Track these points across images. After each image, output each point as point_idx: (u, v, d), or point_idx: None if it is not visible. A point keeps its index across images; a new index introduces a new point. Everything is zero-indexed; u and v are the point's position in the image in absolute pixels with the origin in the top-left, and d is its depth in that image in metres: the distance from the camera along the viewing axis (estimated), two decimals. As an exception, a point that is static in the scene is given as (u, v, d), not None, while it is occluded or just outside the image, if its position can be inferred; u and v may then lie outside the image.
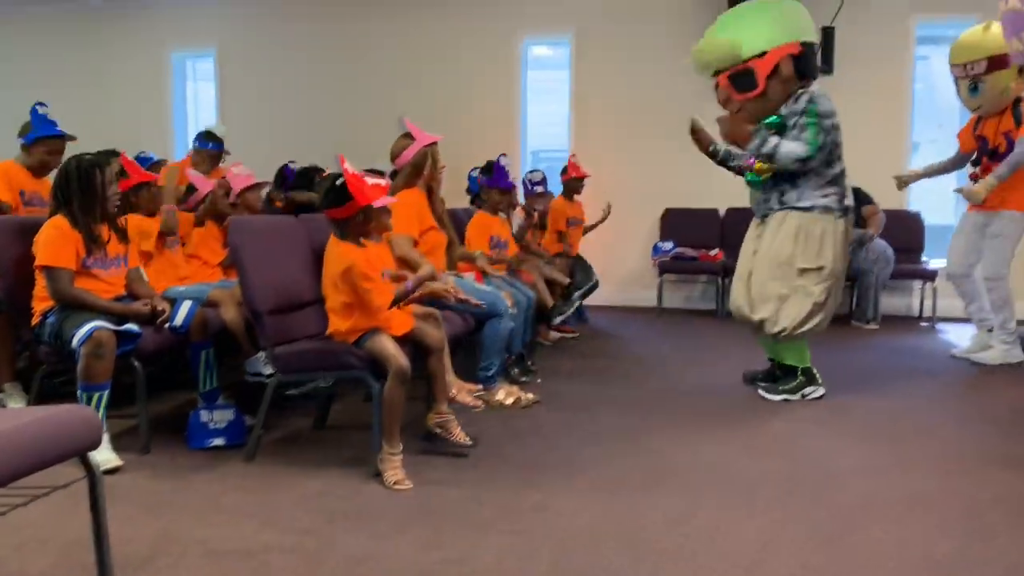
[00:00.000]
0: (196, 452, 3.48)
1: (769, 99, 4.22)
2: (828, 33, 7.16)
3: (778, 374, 4.53)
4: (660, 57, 7.63)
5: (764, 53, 4.14)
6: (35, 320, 3.42)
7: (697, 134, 4.54)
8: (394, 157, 4.21)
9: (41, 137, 4.34)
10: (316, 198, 4.19)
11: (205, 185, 4.55)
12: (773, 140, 4.14)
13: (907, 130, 7.38)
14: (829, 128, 4.12)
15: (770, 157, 4.14)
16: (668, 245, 7.59)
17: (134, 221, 3.93)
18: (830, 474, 3.21)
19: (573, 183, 6.52)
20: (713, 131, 4.56)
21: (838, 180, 4.22)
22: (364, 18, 8.38)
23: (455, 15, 8.18)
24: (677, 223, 7.80)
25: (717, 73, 4.33)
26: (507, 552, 2.49)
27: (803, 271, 4.21)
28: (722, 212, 7.63)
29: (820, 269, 4.21)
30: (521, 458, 3.40)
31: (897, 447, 3.57)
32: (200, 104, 9.24)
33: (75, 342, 3.20)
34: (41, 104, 4.37)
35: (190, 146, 5.78)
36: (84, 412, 2.13)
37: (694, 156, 4.80)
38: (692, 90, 7.37)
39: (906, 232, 7.16)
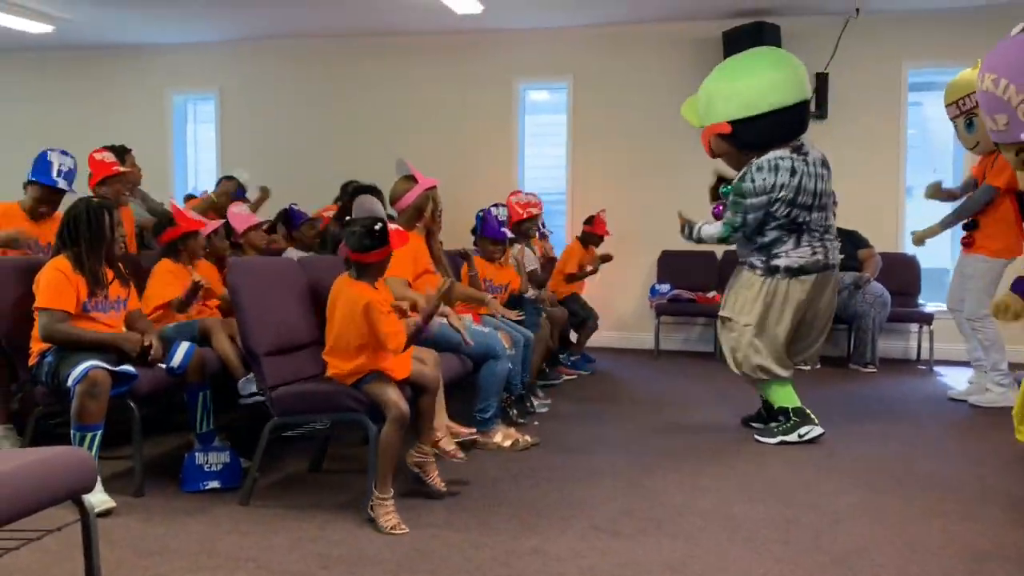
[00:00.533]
0: (191, 495, 3.45)
1: (728, 161, 4.57)
2: (822, 79, 7.26)
3: (763, 414, 4.62)
4: (656, 101, 7.72)
5: (708, 125, 4.47)
6: (32, 360, 3.41)
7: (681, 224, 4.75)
8: (394, 200, 4.23)
9: (32, 181, 4.28)
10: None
11: (200, 226, 4.53)
12: (696, 227, 4.57)
13: (901, 174, 7.44)
14: (751, 207, 4.29)
15: (699, 240, 4.60)
16: (665, 287, 7.59)
17: (210, 271, 4.18)
18: (828, 518, 3.19)
19: (595, 238, 6.60)
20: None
21: (773, 245, 4.36)
22: (364, 62, 8.49)
23: (454, 59, 8.28)
24: (674, 265, 7.82)
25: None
26: (504, 598, 2.46)
27: (723, 320, 4.56)
28: (719, 254, 7.66)
29: (746, 326, 4.42)
30: (519, 501, 3.38)
31: (896, 490, 3.55)
32: (200, 146, 9.30)
33: (71, 381, 3.19)
34: (63, 153, 4.30)
35: (204, 189, 5.82)
36: (79, 454, 2.13)
37: (690, 198, 4.88)
38: (686, 133, 7.47)
39: (902, 275, 7.18)
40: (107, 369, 3.22)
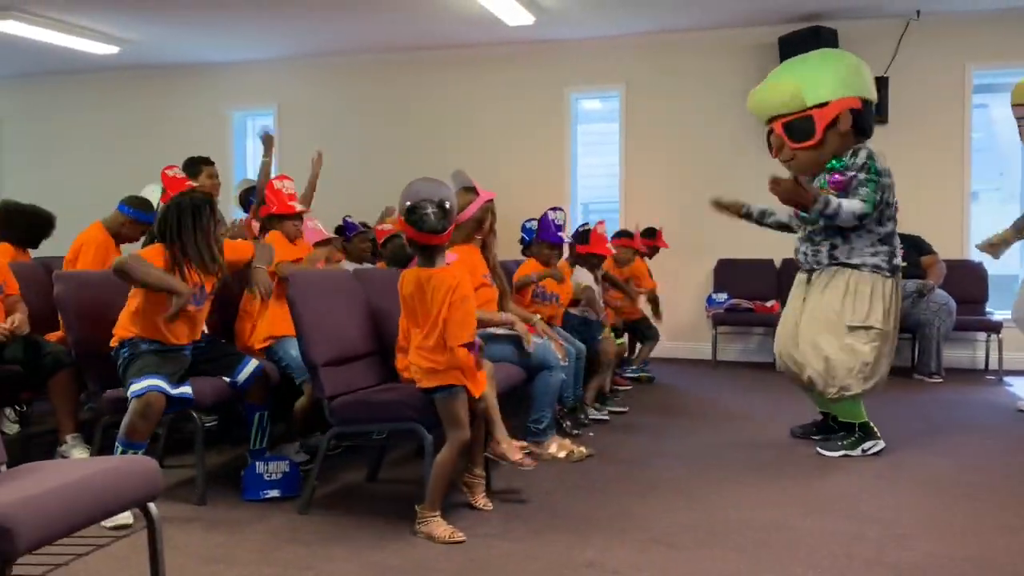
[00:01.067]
0: (251, 503, 3.51)
1: (824, 151, 4.20)
2: (882, 83, 7.11)
3: (832, 424, 4.46)
4: (711, 108, 7.65)
5: (825, 104, 4.13)
6: (114, 342, 3.48)
7: (721, 208, 4.58)
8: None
9: (133, 219, 4.76)
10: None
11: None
12: (835, 201, 4.03)
13: (966, 179, 7.24)
14: (886, 186, 4.10)
15: (832, 218, 4.04)
16: (722, 296, 7.51)
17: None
18: (892, 533, 3.11)
19: (594, 259, 6.54)
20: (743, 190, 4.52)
21: (889, 239, 4.19)
22: (417, 76, 8.59)
23: (506, 71, 8.33)
24: (731, 274, 7.72)
25: (773, 120, 4.33)
26: (560, 610, 2.45)
27: (852, 329, 4.15)
28: (777, 263, 7.54)
29: (868, 328, 4.14)
30: (574, 513, 3.36)
31: (963, 505, 3.44)
32: (258, 162, 9.47)
33: (130, 392, 3.28)
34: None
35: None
36: (145, 463, 2.18)
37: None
38: (742, 140, 7.39)
39: (969, 282, 6.98)
40: (165, 392, 3.29)
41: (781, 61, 6.34)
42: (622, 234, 6.36)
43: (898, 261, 4.21)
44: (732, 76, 7.48)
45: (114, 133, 9.32)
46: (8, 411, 4.55)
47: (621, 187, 8.10)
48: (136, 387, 3.26)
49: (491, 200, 4.20)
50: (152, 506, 2.16)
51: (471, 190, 4.13)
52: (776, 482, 3.79)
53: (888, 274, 4.16)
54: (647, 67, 7.98)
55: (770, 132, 4.38)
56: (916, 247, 6.63)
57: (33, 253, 5.15)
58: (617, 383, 6.14)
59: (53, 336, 4.09)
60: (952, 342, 6.89)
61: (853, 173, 4.10)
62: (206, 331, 3.85)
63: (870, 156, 4.12)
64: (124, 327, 3.47)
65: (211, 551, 2.96)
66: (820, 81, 4.16)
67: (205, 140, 9.05)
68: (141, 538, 2.30)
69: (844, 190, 4.11)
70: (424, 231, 3.07)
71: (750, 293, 7.46)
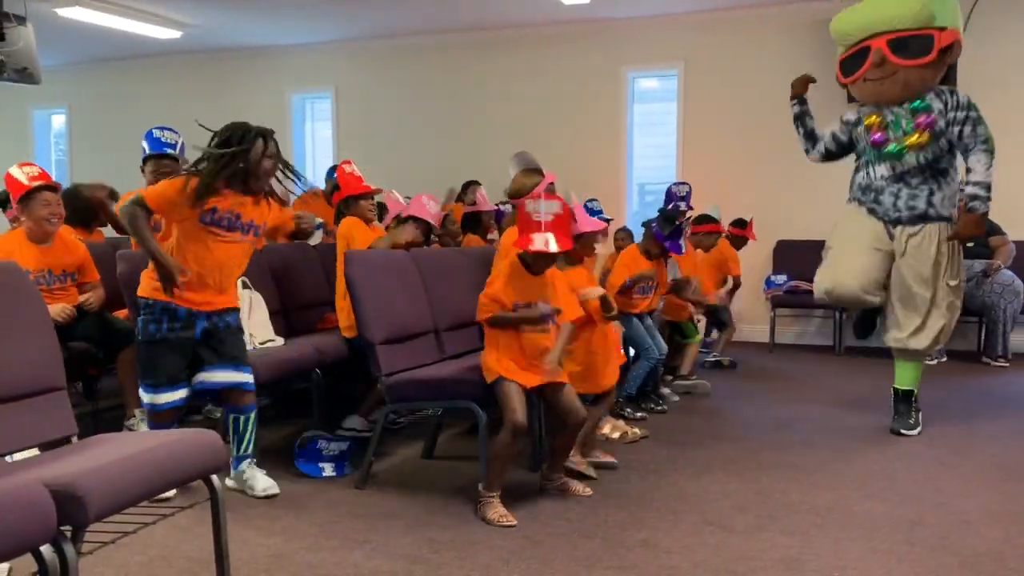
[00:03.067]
0: (310, 480, 3.58)
1: (926, 74, 4.11)
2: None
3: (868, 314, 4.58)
4: (771, 87, 7.47)
5: (945, 28, 4.06)
6: (140, 291, 3.28)
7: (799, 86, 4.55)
8: (519, 194, 3.87)
9: (148, 157, 4.27)
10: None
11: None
12: (978, 176, 3.99)
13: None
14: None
15: (987, 183, 4.00)
16: (782, 278, 7.38)
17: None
18: (956, 519, 3.04)
19: (742, 242, 6.53)
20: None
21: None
22: (472, 57, 8.58)
23: (562, 50, 8.27)
24: (790, 255, 7.58)
25: (876, 35, 4.15)
26: (614, 588, 2.46)
27: (952, 287, 4.18)
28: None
29: (959, 285, 4.19)
30: (628, 493, 3.36)
31: (1032, 492, 3.34)
32: (317, 143, 9.62)
33: (141, 392, 3.26)
34: (165, 128, 4.39)
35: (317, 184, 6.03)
36: (209, 437, 2.24)
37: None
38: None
39: (1039, 264, 6.75)
40: (165, 408, 3.23)
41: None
42: (704, 219, 6.08)
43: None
44: (793, 53, 7.29)
45: (176, 117, 9.43)
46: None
47: (678, 168, 8.00)
48: (146, 397, 3.22)
49: (553, 182, 4.17)
50: (215, 478, 2.22)
51: (536, 171, 3.98)
52: (833, 465, 3.73)
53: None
54: (706, 44, 7.84)
55: (858, 51, 4.22)
56: (985, 227, 6.42)
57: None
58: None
59: (121, 314, 4.23)
60: (1020, 325, 6.67)
61: (953, 115, 4.05)
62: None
63: (955, 94, 4.10)
64: (120, 218, 3.25)
65: (271, 524, 3.03)
66: (944, 6, 4.09)
67: (264, 122, 9.18)
68: (203, 511, 2.37)
69: (931, 128, 4.06)
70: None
71: (810, 275, 7.27)
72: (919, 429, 4.22)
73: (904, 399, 4.31)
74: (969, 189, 4.02)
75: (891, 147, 4.15)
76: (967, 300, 4.94)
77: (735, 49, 7.75)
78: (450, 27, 8.36)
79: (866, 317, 4.69)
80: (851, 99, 4.58)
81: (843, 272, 4.30)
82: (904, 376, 4.35)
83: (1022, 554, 2.71)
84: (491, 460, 3.10)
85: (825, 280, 4.39)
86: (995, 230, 6.54)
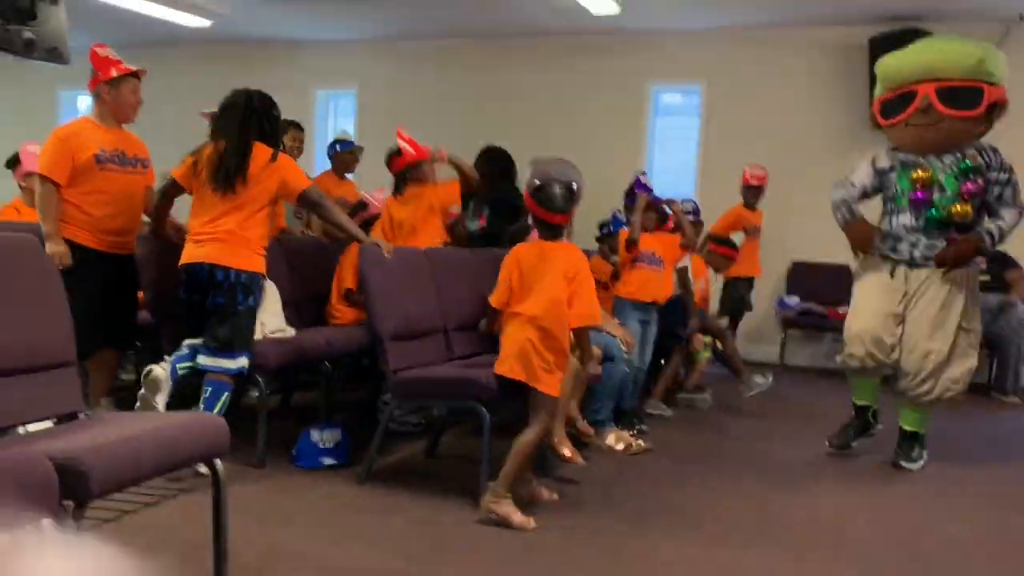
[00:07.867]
0: (308, 470, 3.57)
1: (971, 126, 4.05)
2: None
3: (871, 420, 4.37)
4: (794, 108, 7.48)
5: (996, 84, 4.02)
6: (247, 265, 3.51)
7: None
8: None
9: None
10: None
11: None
12: (996, 230, 3.96)
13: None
14: None
15: (1002, 241, 4.03)
16: (794, 300, 7.36)
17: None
18: (947, 547, 3.03)
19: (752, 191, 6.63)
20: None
21: None
22: (495, 63, 8.60)
23: (587, 60, 8.27)
24: (804, 277, 7.56)
25: (926, 81, 4.08)
26: (608, 597, 2.45)
27: (967, 331, 4.07)
28: (853, 267, 7.33)
29: (975, 331, 4.10)
30: (628, 504, 3.35)
31: (1034, 529, 3.32)
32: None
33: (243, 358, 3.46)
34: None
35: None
36: (214, 421, 2.25)
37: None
38: (824, 143, 7.22)
39: (1056, 301, 6.69)
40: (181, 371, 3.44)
41: (872, 63, 6.15)
42: (725, 242, 6.28)
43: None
44: (817, 76, 7.29)
45: (202, 103, 9.57)
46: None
47: (697, 183, 7.99)
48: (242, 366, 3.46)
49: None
50: (218, 462, 2.23)
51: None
52: (834, 489, 3.72)
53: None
54: (731, 62, 7.83)
55: (905, 94, 4.14)
56: (1000, 261, 6.38)
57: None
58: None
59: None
60: (1034, 361, 6.61)
61: (996, 175, 4.01)
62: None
63: (993, 153, 4.07)
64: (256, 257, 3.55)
65: (269, 512, 3.04)
66: (997, 61, 4.06)
67: (289, 116, 9.24)
68: (203, 495, 2.38)
69: (980, 197, 3.99)
70: (550, 210, 3.10)
71: (823, 298, 7.28)
72: (922, 463, 4.13)
73: (910, 437, 4.23)
74: (990, 225, 3.97)
75: (932, 212, 4.03)
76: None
77: (759, 68, 7.72)
78: (477, 32, 8.38)
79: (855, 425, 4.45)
80: (876, 126, 4.51)
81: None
82: (909, 418, 4.22)
83: (1022, 589, 2.69)
84: (514, 455, 3.05)
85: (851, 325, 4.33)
86: (1011, 263, 6.50)
